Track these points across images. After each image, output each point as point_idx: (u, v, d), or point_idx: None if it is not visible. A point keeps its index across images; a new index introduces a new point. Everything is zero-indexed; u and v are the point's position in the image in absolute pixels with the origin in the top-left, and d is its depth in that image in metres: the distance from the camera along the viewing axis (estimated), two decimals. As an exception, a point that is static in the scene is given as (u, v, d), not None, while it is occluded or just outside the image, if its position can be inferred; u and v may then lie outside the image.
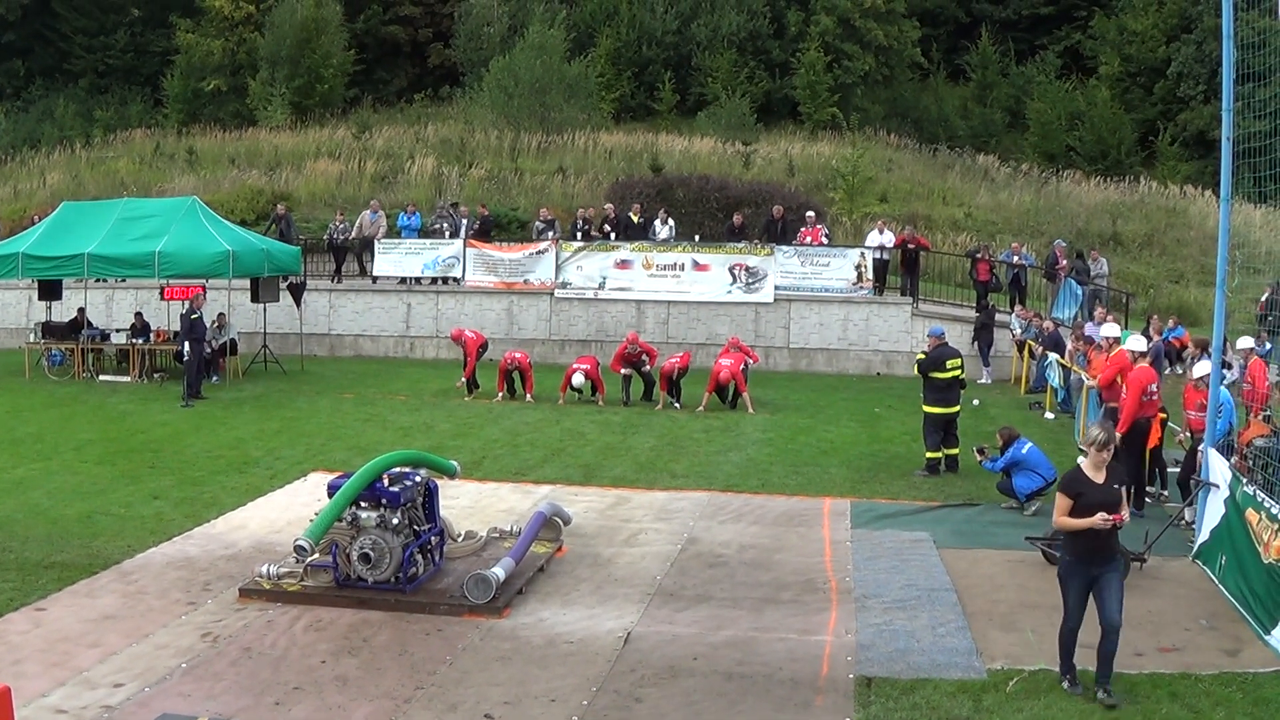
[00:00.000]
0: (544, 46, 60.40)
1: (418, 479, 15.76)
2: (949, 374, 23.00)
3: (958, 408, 23.35)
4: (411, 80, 76.49)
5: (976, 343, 35.38)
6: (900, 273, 39.21)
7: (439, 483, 16.59)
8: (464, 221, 41.80)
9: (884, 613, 14.65)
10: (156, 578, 16.04)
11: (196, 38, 71.95)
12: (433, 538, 15.87)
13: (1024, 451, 20.12)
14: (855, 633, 13.94)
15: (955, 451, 23.05)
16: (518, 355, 31.34)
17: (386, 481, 15.13)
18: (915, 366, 23.92)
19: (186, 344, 31.18)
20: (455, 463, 17.69)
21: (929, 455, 22.92)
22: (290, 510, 19.44)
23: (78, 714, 11.65)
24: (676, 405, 30.28)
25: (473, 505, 19.84)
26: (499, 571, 14.77)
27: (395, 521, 14.95)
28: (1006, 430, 20.77)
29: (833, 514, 19.71)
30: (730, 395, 30.12)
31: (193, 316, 31.81)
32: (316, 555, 14.83)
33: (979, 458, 20.92)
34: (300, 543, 14.33)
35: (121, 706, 11.86)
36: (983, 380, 34.49)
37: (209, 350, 33.57)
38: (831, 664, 13.02)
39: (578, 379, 30.16)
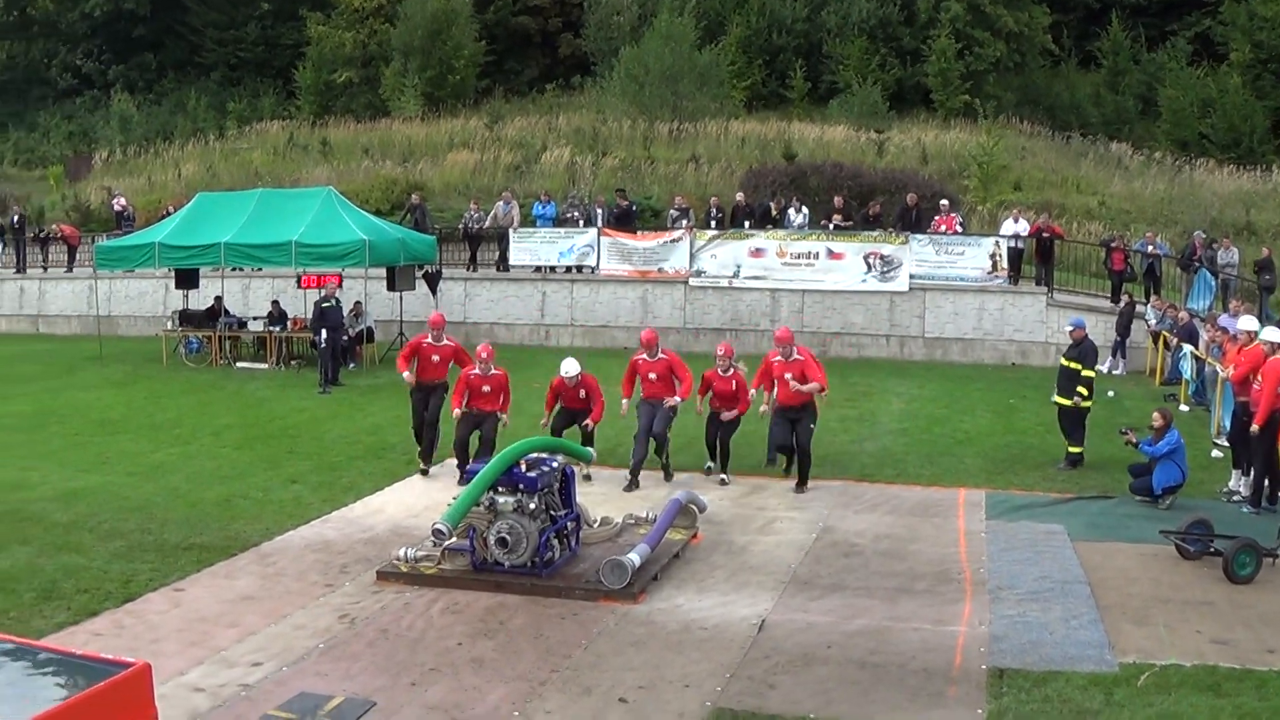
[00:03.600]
0: (673, 35, 60.22)
1: (554, 465, 15.87)
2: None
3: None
4: (542, 70, 76.64)
5: (1118, 336, 34.91)
6: (1035, 262, 38.81)
7: (575, 469, 16.67)
8: (599, 210, 41.95)
9: (1017, 604, 14.52)
10: (294, 560, 16.32)
11: (327, 30, 72.72)
12: (569, 523, 15.99)
13: (1179, 440, 19.80)
14: (989, 624, 13.86)
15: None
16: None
17: (524, 467, 15.27)
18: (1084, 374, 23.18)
19: (322, 332, 31.52)
20: (592, 449, 17.75)
21: (1078, 450, 22.59)
22: (427, 495, 19.67)
23: (215, 692, 11.86)
24: (718, 472, 21.63)
25: (608, 492, 19.96)
26: (634, 558, 14.81)
27: (532, 506, 15.09)
28: (1166, 411, 20.39)
29: (968, 504, 19.60)
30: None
31: (325, 305, 32.15)
32: (454, 539, 14.96)
33: (1128, 438, 20.50)
34: (438, 526, 14.45)
35: (259, 685, 12.05)
36: (1117, 372, 34.11)
37: (346, 338, 33.88)
38: (965, 654, 12.95)
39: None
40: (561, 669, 12.50)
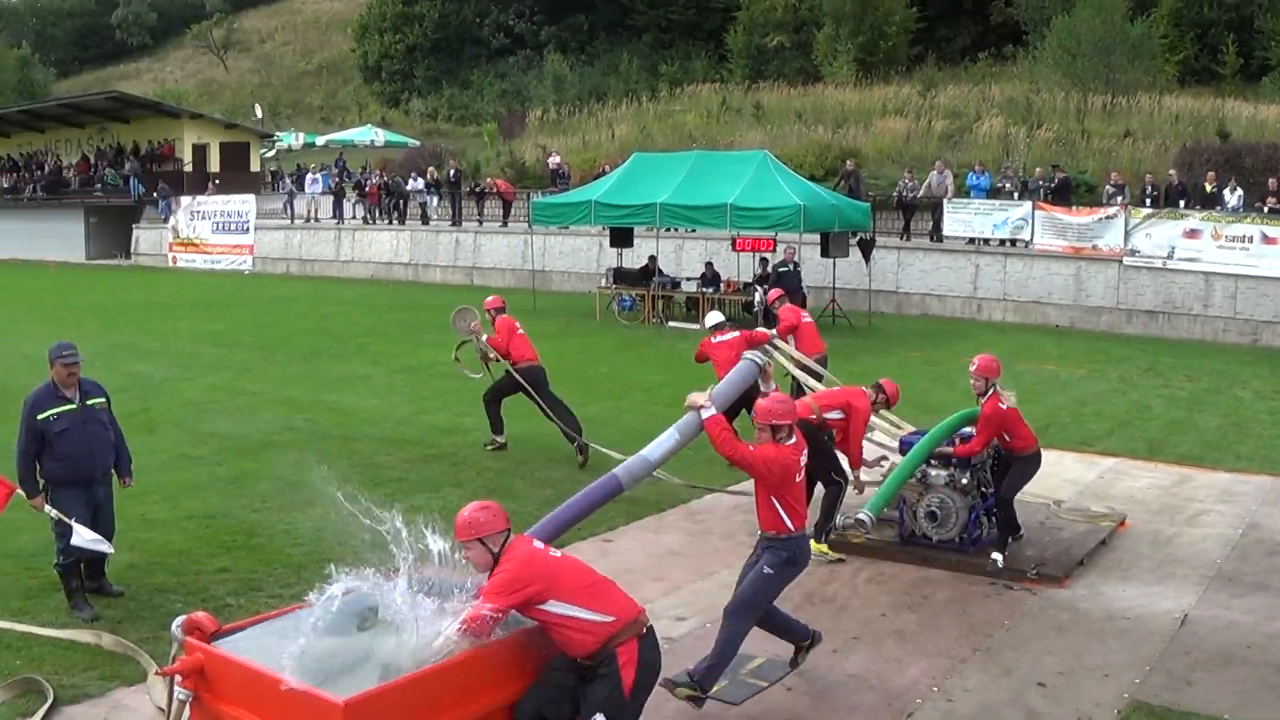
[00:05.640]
0: (1105, 5, 59.13)
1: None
2: None
3: None
4: (974, 38, 75.81)
5: None
6: None
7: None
8: (1040, 184, 41.50)
9: None
10: (722, 519, 16.73)
11: (758, -7, 73.06)
12: (999, 501, 15.81)
13: None
14: None
15: None
16: None
17: (958, 442, 15.26)
18: None
19: (758, 292, 31.86)
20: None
21: None
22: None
23: (640, 643, 12.16)
24: None
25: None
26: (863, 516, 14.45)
27: (964, 482, 15.04)
28: None
29: (1401, 508, 18.80)
30: None
31: (781, 269, 32.51)
32: (872, 529, 14.86)
33: None
34: (860, 516, 14.34)
35: (682, 640, 12.41)
36: None
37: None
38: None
39: None
40: (983, 648, 12.51)
